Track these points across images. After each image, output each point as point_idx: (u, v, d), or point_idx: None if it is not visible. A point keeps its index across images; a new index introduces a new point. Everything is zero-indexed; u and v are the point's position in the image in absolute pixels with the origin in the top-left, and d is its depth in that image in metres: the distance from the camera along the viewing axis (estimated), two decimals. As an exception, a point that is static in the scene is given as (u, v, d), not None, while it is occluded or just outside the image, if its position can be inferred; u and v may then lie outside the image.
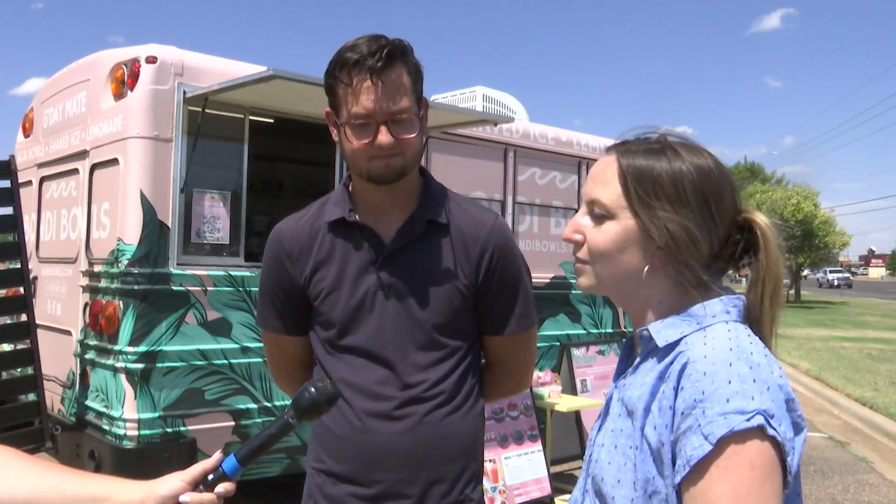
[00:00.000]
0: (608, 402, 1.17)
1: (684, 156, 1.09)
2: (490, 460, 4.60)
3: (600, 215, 1.11)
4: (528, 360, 1.80)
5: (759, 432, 0.93)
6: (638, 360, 1.13)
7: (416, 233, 1.61)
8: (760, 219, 1.09)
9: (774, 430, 0.93)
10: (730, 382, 0.95)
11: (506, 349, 1.72)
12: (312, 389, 1.17)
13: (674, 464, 0.98)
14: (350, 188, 1.67)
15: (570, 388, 5.57)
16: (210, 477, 1.14)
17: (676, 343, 1.05)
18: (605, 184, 1.11)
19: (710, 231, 1.07)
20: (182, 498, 1.12)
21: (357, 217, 1.63)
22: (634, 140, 1.15)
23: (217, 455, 1.16)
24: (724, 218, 1.08)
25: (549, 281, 6.07)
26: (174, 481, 1.13)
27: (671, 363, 1.02)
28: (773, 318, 1.08)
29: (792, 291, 35.47)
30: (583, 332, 6.28)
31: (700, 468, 0.94)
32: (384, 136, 1.51)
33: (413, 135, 1.54)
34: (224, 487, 1.14)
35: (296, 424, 1.18)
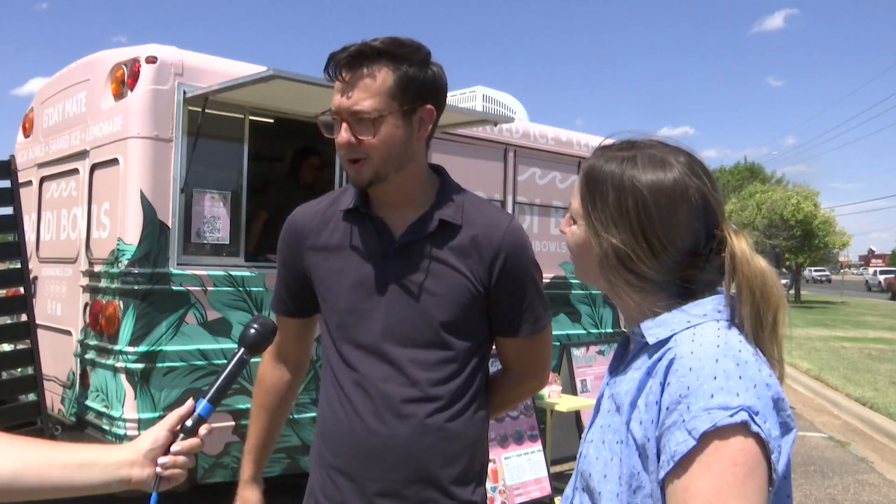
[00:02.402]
0: (599, 399, 1.18)
1: (641, 169, 1.08)
2: (490, 460, 4.60)
3: (572, 217, 1.16)
4: (546, 357, 1.81)
5: (743, 428, 0.93)
6: (630, 356, 1.14)
7: (428, 230, 1.60)
8: (732, 239, 1.07)
9: (758, 426, 0.93)
10: (715, 378, 0.95)
11: (523, 350, 1.73)
12: (256, 325, 1.33)
13: (658, 459, 0.98)
14: None
15: (570, 388, 5.57)
16: (188, 423, 1.19)
17: (667, 340, 1.05)
18: (576, 189, 1.16)
19: (655, 249, 1.06)
20: (173, 448, 1.17)
21: (372, 208, 1.64)
22: (613, 145, 1.16)
23: (189, 401, 1.22)
24: (674, 237, 1.06)
25: (549, 281, 6.07)
26: (157, 433, 1.17)
27: (659, 359, 1.03)
28: (767, 341, 1.05)
29: (792, 291, 35.48)
30: (583, 332, 6.28)
31: (683, 463, 0.94)
32: (343, 134, 1.53)
33: (370, 137, 1.52)
34: (205, 429, 1.20)
35: (248, 359, 1.32)
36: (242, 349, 1.32)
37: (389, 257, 1.60)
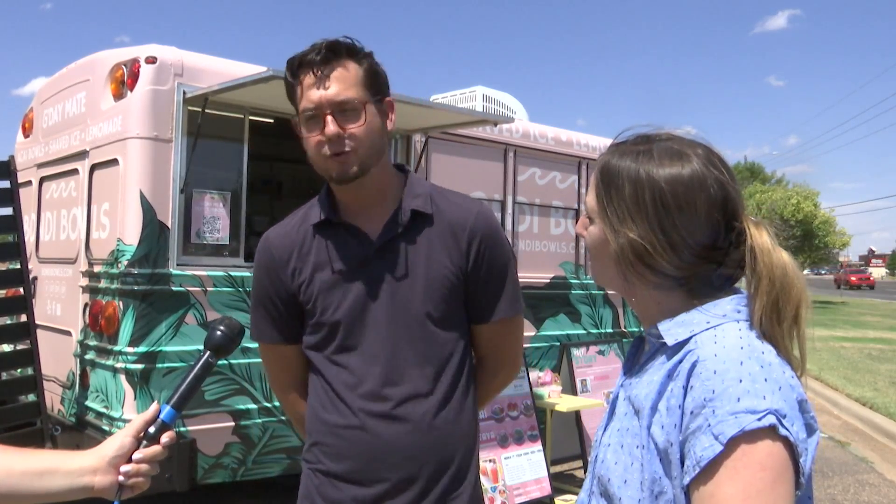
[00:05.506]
0: (614, 402, 1.16)
1: (657, 161, 1.06)
2: (490, 460, 4.60)
3: (589, 217, 1.14)
4: (518, 345, 1.82)
5: (771, 432, 0.91)
6: (645, 358, 1.12)
7: (402, 225, 1.62)
8: (752, 231, 1.05)
9: (787, 430, 0.92)
10: (741, 381, 0.93)
11: (496, 337, 1.73)
12: (222, 328, 1.30)
13: (682, 464, 0.96)
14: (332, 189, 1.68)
15: (570, 388, 5.57)
16: (152, 429, 1.17)
17: (686, 341, 1.03)
18: (591, 186, 1.14)
19: (674, 242, 1.04)
20: (135, 456, 1.14)
21: (342, 217, 1.64)
22: (627, 140, 1.13)
23: (154, 406, 1.20)
24: (693, 229, 1.04)
25: (548, 281, 6.07)
26: (122, 439, 1.15)
27: (680, 361, 1.00)
28: (784, 335, 1.01)
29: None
30: (583, 332, 6.27)
31: (710, 469, 0.92)
32: (330, 126, 1.54)
33: (358, 124, 1.54)
34: (168, 436, 1.18)
35: (215, 362, 1.29)
36: (208, 352, 1.28)
37: (370, 260, 1.61)
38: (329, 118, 1.54)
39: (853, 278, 60.69)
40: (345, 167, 1.56)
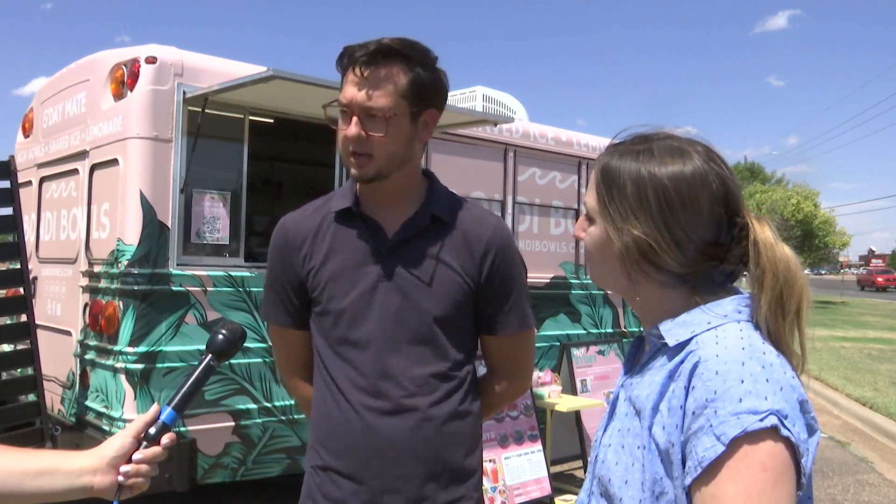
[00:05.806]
0: (614, 402, 1.16)
1: (659, 160, 1.07)
2: (490, 460, 4.60)
3: (589, 217, 1.14)
4: (529, 359, 1.82)
5: (773, 433, 0.91)
6: (646, 358, 1.12)
7: (420, 227, 1.63)
8: (755, 226, 1.05)
9: (788, 430, 0.92)
10: (742, 382, 0.93)
11: (507, 350, 1.74)
12: (224, 331, 1.30)
13: (683, 465, 0.96)
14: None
15: (570, 388, 5.57)
16: (152, 430, 1.18)
17: (687, 342, 1.03)
18: (591, 186, 1.14)
19: (678, 239, 1.04)
20: (135, 456, 1.15)
21: (362, 208, 1.66)
22: (626, 140, 1.14)
23: (154, 407, 1.21)
24: (696, 225, 1.04)
25: (548, 281, 6.07)
26: (122, 440, 1.15)
27: (682, 362, 1.00)
28: (787, 330, 1.02)
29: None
30: (583, 332, 6.27)
31: (711, 470, 0.92)
32: (351, 128, 1.55)
33: (381, 135, 1.55)
34: (168, 438, 1.18)
35: (216, 366, 1.30)
36: (210, 355, 1.29)
37: (383, 255, 1.62)
38: (355, 119, 1.55)
39: (879, 279, 54.92)
40: (362, 170, 1.59)
